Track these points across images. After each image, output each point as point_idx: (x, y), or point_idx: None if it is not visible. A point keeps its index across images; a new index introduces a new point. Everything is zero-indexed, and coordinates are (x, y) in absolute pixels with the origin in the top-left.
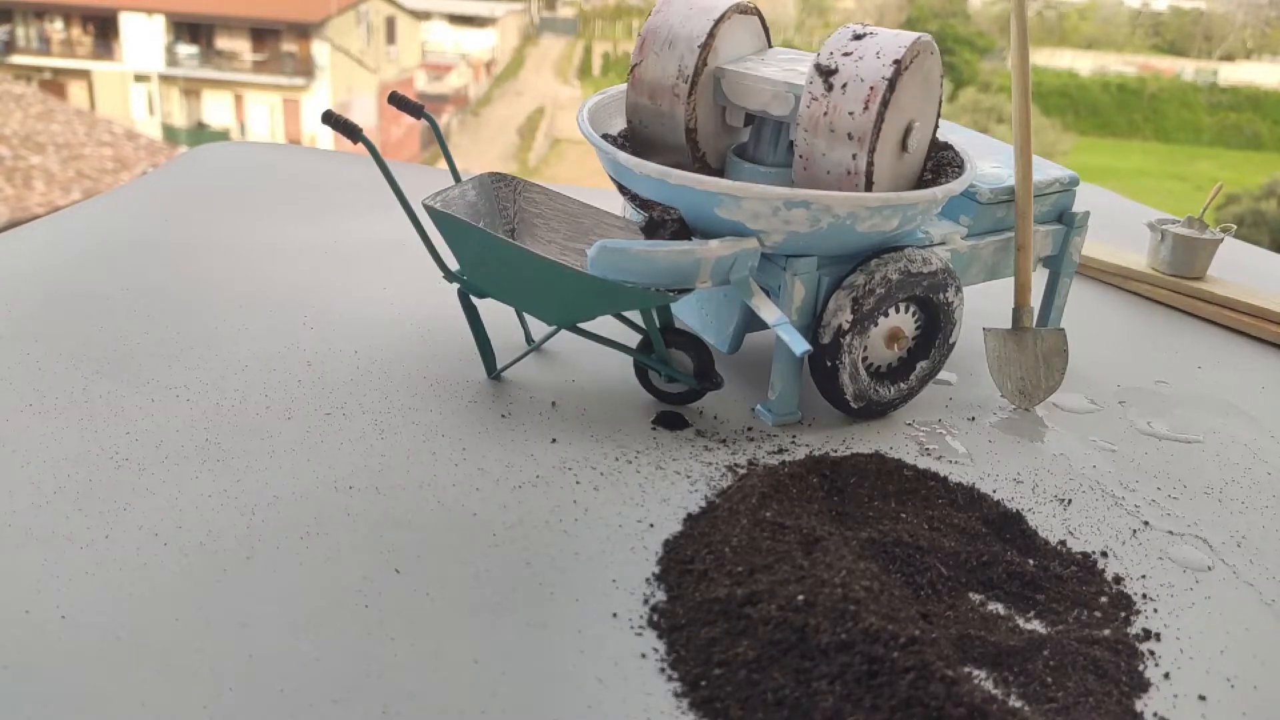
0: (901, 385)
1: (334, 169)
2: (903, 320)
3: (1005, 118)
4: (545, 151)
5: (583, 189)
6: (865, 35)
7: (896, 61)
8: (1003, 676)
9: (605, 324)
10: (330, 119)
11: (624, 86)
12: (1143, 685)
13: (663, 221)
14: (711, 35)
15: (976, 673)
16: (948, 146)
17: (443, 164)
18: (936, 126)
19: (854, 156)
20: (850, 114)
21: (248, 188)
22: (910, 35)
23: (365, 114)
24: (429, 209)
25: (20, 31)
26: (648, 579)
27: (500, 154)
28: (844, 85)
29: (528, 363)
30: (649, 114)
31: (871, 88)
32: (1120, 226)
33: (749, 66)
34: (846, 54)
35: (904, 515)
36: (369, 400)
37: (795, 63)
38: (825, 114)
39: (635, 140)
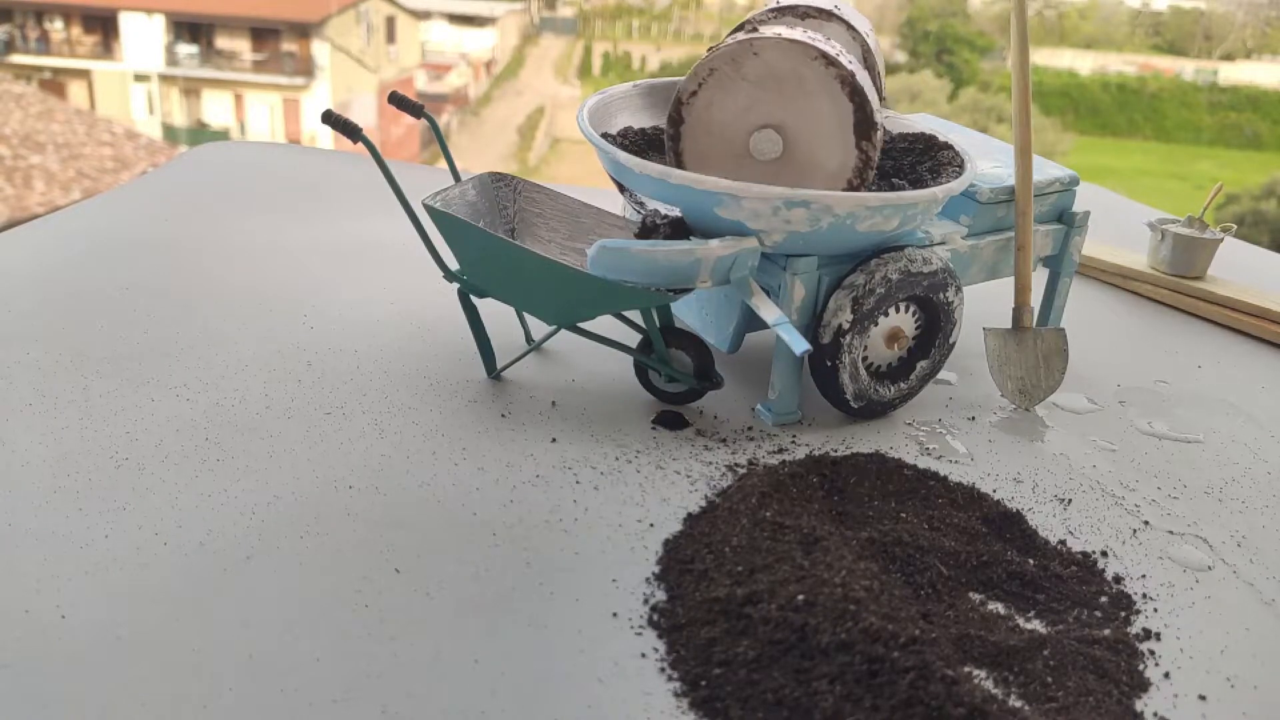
0: (901, 385)
1: (334, 169)
2: (903, 320)
3: (1005, 118)
4: (545, 151)
5: (583, 189)
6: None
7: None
8: (1003, 676)
9: (605, 324)
10: (330, 119)
11: (625, 86)
12: (1143, 685)
13: (655, 226)
14: None
15: (976, 673)
16: (948, 146)
17: (443, 164)
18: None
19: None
20: None
21: (248, 188)
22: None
23: (365, 114)
24: (429, 208)
25: (19, 31)
26: (648, 579)
27: (500, 154)
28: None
29: (528, 363)
30: None
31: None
32: (1120, 226)
33: None
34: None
35: (904, 515)
36: (369, 400)
37: None
38: None
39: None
